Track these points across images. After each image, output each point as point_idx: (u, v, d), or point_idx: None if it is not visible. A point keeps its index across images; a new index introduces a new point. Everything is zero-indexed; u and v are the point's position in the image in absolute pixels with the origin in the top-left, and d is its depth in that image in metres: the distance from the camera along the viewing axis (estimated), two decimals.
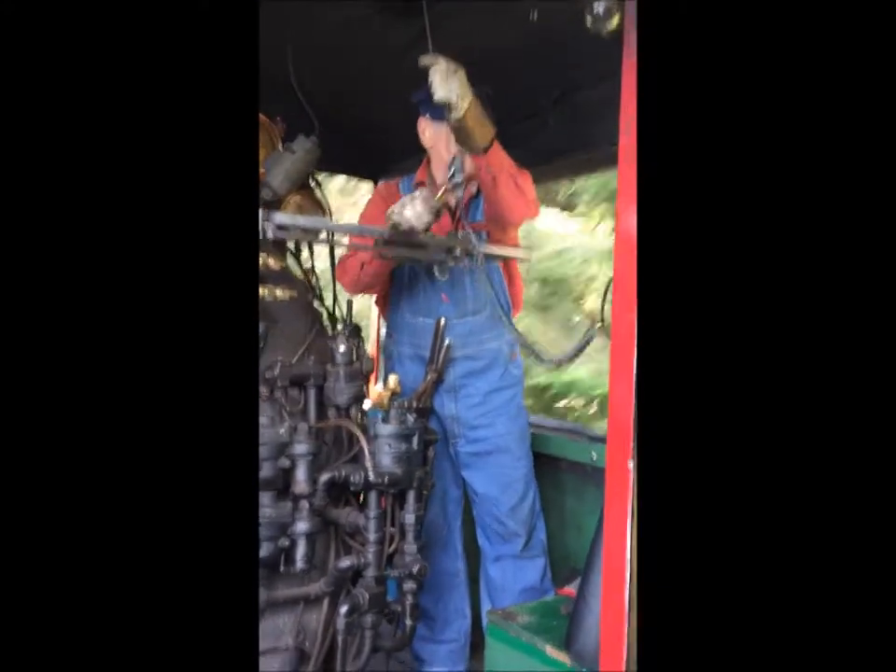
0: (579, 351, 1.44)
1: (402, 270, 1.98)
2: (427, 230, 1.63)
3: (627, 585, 0.96)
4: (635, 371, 0.95)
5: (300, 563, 1.51)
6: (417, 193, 1.59)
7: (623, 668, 0.95)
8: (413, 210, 1.57)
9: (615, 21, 1.34)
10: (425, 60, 1.53)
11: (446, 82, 1.50)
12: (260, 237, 1.45)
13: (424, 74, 1.60)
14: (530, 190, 1.78)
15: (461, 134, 1.60)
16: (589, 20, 1.38)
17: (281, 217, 1.41)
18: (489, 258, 1.68)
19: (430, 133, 1.88)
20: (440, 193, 1.62)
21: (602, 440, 2.02)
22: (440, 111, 1.65)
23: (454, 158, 1.64)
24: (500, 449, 1.96)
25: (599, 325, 1.57)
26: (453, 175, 1.62)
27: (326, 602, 1.65)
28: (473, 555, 2.12)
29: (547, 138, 2.11)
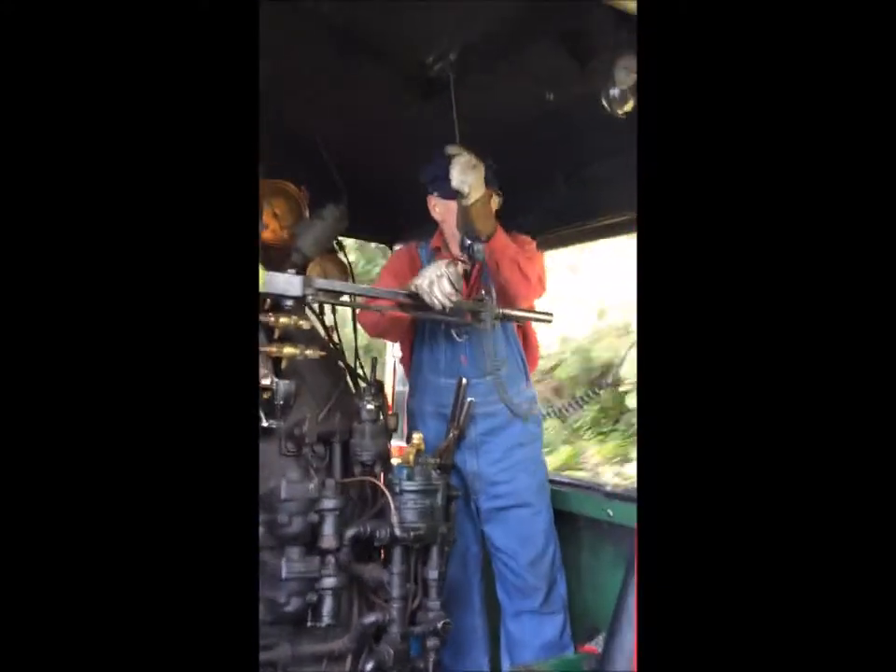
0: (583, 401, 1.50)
1: (423, 333, 2.06)
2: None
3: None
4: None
5: (326, 618, 1.53)
6: (443, 271, 1.67)
7: None
8: (440, 291, 1.65)
9: (629, 104, 1.45)
10: (450, 150, 1.67)
11: (463, 174, 1.66)
12: (297, 299, 1.53)
13: (437, 147, 1.72)
14: (535, 272, 1.88)
15: (466, 220, 1.72)
16: (605, 102, 1.50)
17: (321, 282, 1.50)
18: (511, 319, 1.75)
19: (440, 209, 1.99)
20: (460, 269, 1.71)
21: (617, 496, 2.06)
22: (446, 190, 1.79)
23: (468, 240, 1.74)
24: (520, 503, 2.01)
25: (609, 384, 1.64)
26: (471, 253, 1.71)
27: (349, 660, 1.66)
28: (493, 613, 2.13)
29: (557, 207, 2.22)
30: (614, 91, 1.44)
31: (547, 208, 2.22)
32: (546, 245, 2.45)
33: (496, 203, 1.93)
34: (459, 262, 1.72)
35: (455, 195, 1.81)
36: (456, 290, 1.67)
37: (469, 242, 1.68)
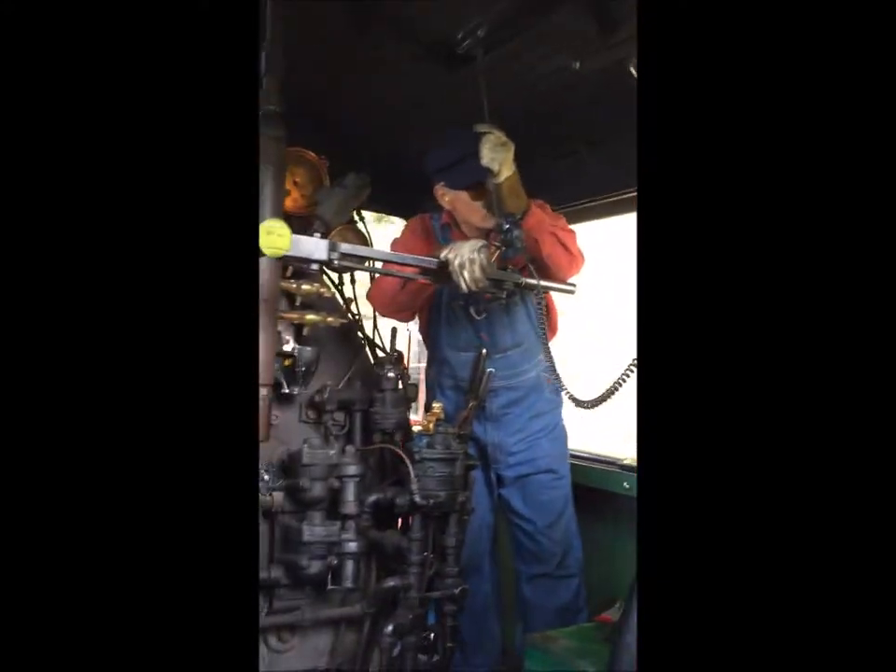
0: (611, 393, 1.49)
1: (439, 309, 2.05)
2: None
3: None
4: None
5: (348, 581, 1.55)
6: (477, 256, 1.62)
7: None
8: (470, 276, 1.61)
9: None
10: (481, 127, 1.64)
11: (493, 151, 1.64)
12: (324, 265, 1.53)
13: (459, 120, 1.69)
14: (574, 245, 1.85)
15: (495, 200, 1.69)
16: (633, 69, 1.47)
17: (346, 247, 1.49)
18: (534, 289, 1.74)
19: (449, 197, 1.92)
20: (493, 257, 1.67)
21: (633, 469, 2.06)
22: (454, 180, 1.79)
23: (507, 224, 1.67)
24: (542, 469, 2.03)
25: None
26: (509, 239, 1.65)
27: (366, 624, 1.68)
28: (507, 582, 2.16)
29: (582, 178, 2.19)
30: None
31: (571, 180, 2.20)
32: (571, 218, 2.43)
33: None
34: (493, 246, 1.67)
35: (462, 185, 1.81)
36: (486, 281, 1.64)
37: (507, 226, 1.64)
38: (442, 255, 1.62)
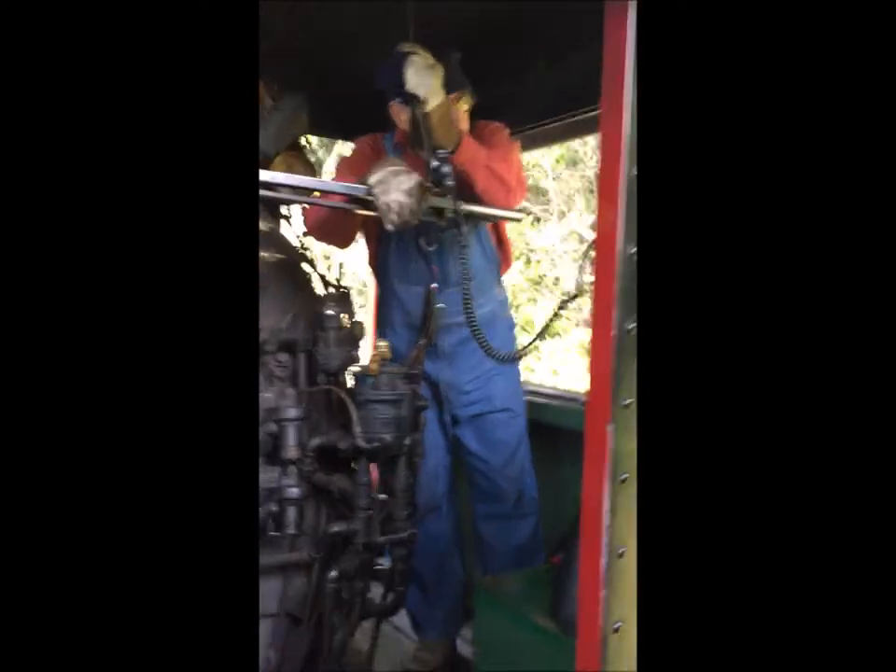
0: (528, 347, 1.40)
1: (388, 238, 1.92)
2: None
3: (605, 551, 0.94)
4: (614, 342, 0.93)
5: (290, 528, 1.50)
6: (406, 199, 1.46)
7: (600, 637, 0.94)
8: (398, 216, 1.46)
9: None
10: (404, 47, 1.47)
11: (419, 75, 1.46)
12: None
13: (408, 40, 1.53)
14: (512, 174, 1.70)
15: (424, 132, 1.52)
16: None
17: (266, 175, 1.37)
18: (478, 218, 1.62)
19: (405, 115, 1.72)
20: (424, 191, 1.50)
21: None
22: (407, 95, 1.57)
23: (436, 161, 1.52)
24: (497, 408, 1.96)
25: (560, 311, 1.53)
26: (439, 178, 1.50)
27: (315, 569, 1.65)
28: (466, 521, 2.12)
29: (539, 99, 2.04)
30: None
31: (530, 101, 2.05)
32: (531, 142, 2.30)
33: (466, 102, 1.76)
34: (424, 186, 1.51)
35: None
36: (418, 205, 1.49)
37: (436, 163, 1.48)
38: (370, 181, 1.47)
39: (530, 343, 1.35)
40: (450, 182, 1.49)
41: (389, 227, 1.49)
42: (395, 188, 1.45)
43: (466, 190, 1.62)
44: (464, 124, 1.74)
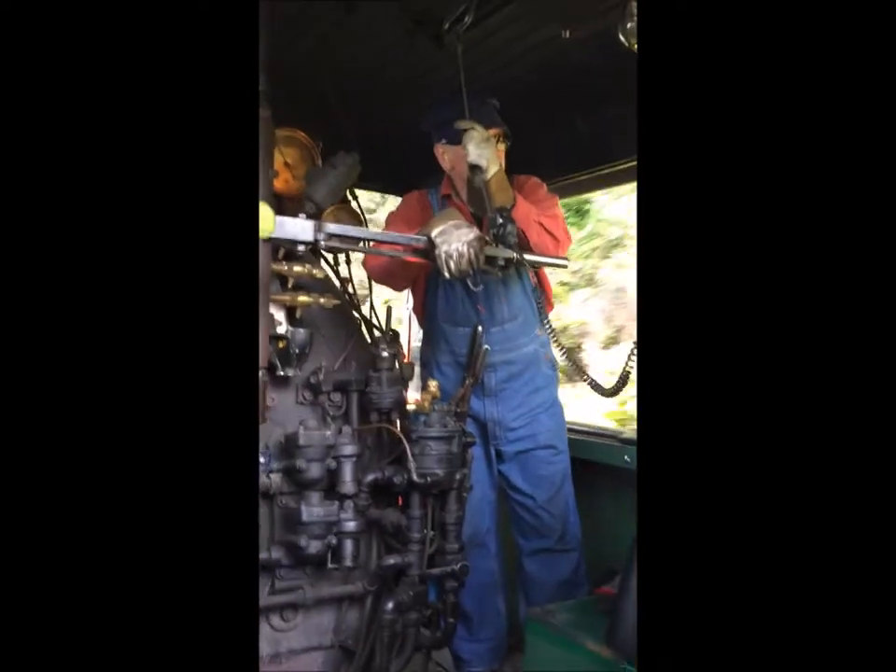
0: (626, 377, 1.46)
1: (436, 281, 2.04)
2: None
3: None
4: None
5: (347, 560, 1.56)
6: (467, 251, 1.56)
7: None
8: (457, 267, 1.57)
9: None
10: (463, 124, 1.63)
11: (479, 148, 1.63)
12: (311, 246, 1.52)
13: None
14: (560, 229, 1.84)
15: (483, 196, 1.67)
16: (622, 35, 1.44)
17: (332, 227, 1.48)
18: (527, 264, 1.72)
19: (449, 156, 1.92)
20: (483, 243, 1.63)
21: (635, 442, 2.06)
22: (454, 136, 1.74)
23: (500, 219, 1.64)
24: (541, 445, 2.04)
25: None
26: (502, 235, 1.63)
27: (368, 601, 1.70)
28: (510, 557, 2.17)
29: (574, 150, 2.16)
30: (631, 25, 1.38)
31: (563, 153, 2.17)
32: (562, 191, 2.41)
33: (503, 146, 1.89)
34: (485, 240, 1.64)
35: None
36: (475, 264, 1.60)
37: (500, 220, 1.61)
38: (432, 234, 1.59)
39: (627, 376, 1.43)
40: (512, 239, 1.63)
41: (447, 274, 1.59)
42: (456, 239, 1.57)
43: (520, 244, 1.74)
44: (501, 159, 1.86)
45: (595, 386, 1.55)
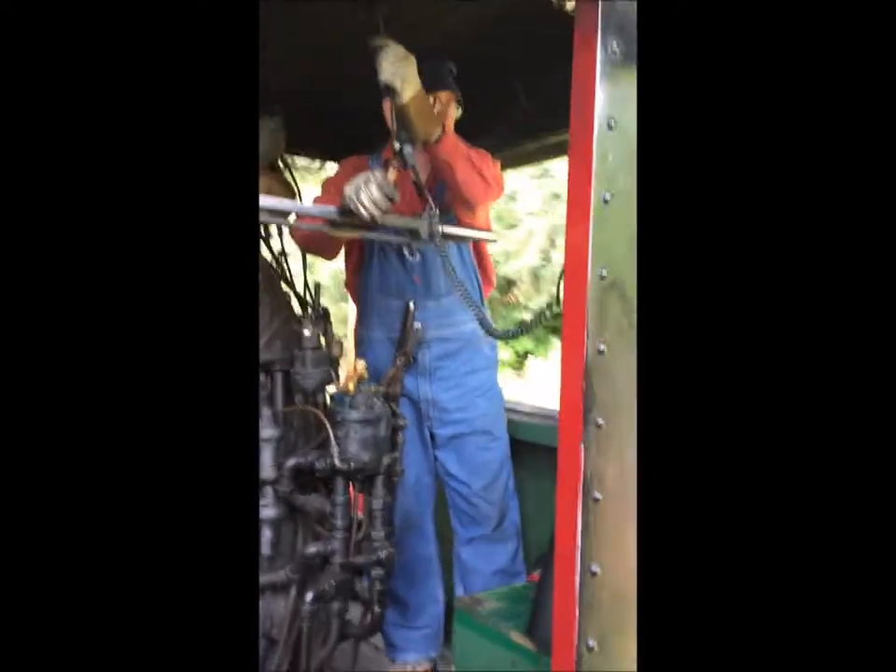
0: (529, 327, 1.34)
1: (370, 252, 1.94)
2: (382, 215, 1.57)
3: (578, 569, 0.95)
4: (585, 358, 0.94)
5: (265, 549, 1.49)
6: (371, 176, 1.51)
7: (574, 657, 0.94)
8: (368, 198, 1.50)
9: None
10: (375, 41, 1.46)
11: (393, 66, 1.44)
12: None
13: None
14: (491, 172, 1.74)
15: (403, 123, 1.53)
16: (563, 3, 1.35)
17: None
18: (453, 239, 1.64)
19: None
20: (392, 176, 1.55)
21: None
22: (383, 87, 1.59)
23: (399, 142, 1.55)
24: (478, 431, 1.96)
25: (553, 306, 1.51)
26: (402, 156, 1.54)
27: (293, 590, 1.63)
28: (448, 542, 2.11)
29: (519, 120, 2.08)
30: None
31: (508, 123, 2.08)
32: (508, 163, 2.33)
33: (454, 110, 1.80)
34: (392, 168, 1.55)
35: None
36: (387, 198, 1.52)
37: (399, 145, 1.50)
38: (345, 190, 1.51)
39: (530, 322, 1.29)
40: (410, 160, 1.52)
41: (364, 212, 1.51)
42: (360, 177, 1.51)
43: (444, 180, 1.67)
44: (450, 123, 1.77)
45: (483, 322, 1.41)
